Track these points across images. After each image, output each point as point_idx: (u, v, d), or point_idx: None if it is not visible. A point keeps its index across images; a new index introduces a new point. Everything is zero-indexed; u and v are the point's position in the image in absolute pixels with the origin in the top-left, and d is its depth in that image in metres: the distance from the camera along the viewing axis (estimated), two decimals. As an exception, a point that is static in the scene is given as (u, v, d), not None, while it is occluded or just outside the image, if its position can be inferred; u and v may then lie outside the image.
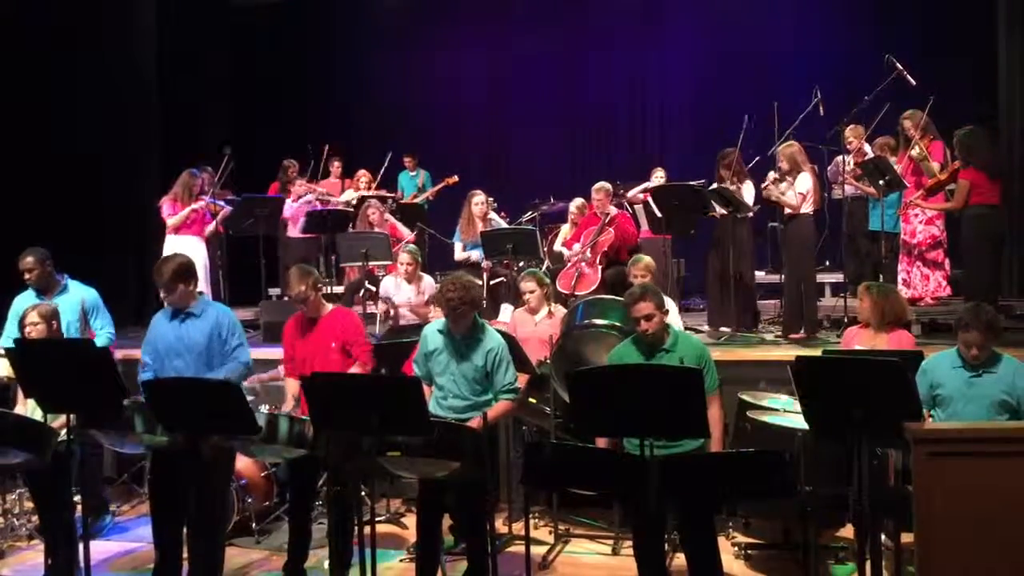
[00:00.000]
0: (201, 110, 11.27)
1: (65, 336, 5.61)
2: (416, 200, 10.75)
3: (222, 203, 8.53)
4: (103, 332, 6.16)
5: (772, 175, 7.53)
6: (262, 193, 9.54)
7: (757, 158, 8.02)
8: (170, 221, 8.12)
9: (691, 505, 4.40)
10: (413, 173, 11.16)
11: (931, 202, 7.48)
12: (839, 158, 8.22)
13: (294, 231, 9.41)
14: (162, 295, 5.14)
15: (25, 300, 6.03)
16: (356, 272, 8.70)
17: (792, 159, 7.36)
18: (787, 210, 7.38)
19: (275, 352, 6.97)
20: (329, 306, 5.52)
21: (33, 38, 9.09)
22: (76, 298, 6.14)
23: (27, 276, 6.07)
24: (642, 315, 4.67)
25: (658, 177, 9.26)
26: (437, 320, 5.18)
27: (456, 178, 10.68)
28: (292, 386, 5.43)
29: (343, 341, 5.33)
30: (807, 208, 7.28)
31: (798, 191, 7.27)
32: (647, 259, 6.70)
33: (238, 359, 5.08)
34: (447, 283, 4.92)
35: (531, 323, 6.45)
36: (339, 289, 9.25)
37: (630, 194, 9.26)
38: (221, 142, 8.92)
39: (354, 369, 5.38)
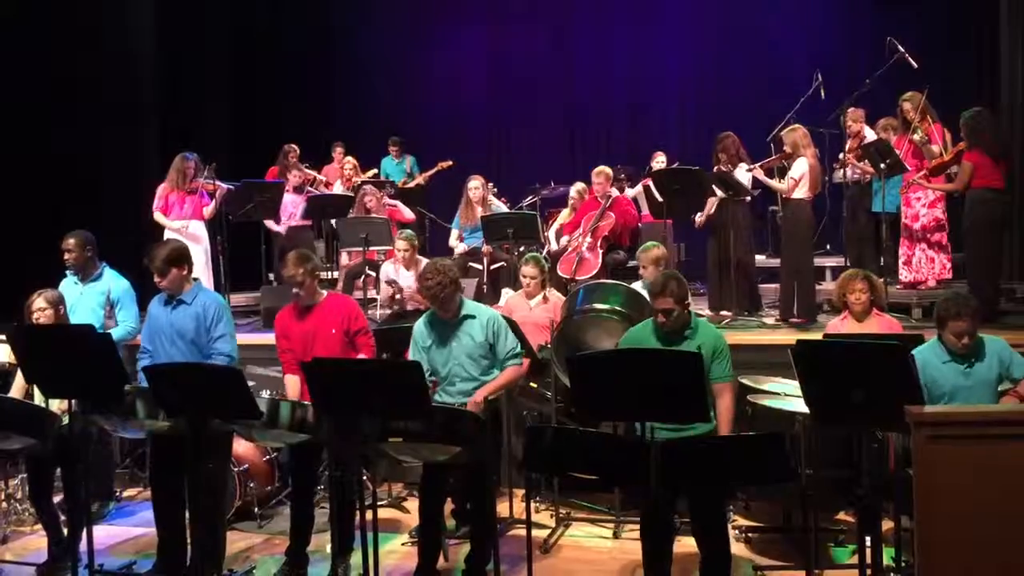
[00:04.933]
0: (201, 109, 11.18)
1: (90, 323, 5.61)
2: (408, 186, 10.62)
3: (221, 183, 8.38)
4: (123, 324, 6.19)
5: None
6: (261, 178, 9.47)
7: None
8: (156, 215, 8.01)
9: (698, 490, 4.36)
10: (398, 160, 11.05)
11: (934, 183, 7.45)
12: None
13: (285, 223, 9.07)
14: (156, 279, 5.16)
15: (67, 285, 6.14)
16: (354, 257, 8.66)
17: (795, 143, 7.32)
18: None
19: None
20: (324, 292, 5.45)
21: (33, 38, 9.03)
22: (105, 287, 6.23)
23: (66, 257, 6.17)
24: (660, 308, 4.61)
25: (658, 161, 9.23)
26: (423, 316, 5.17)
27: (451, 162, 10.59)
28: (292, 384, 5.26)
29: (345, 328, 5.25)
30: (801, 193, 7.23)
31: (791, 176, 7.24)
32: (656, 250, 6.42)
33: (220, 351, 5.03)
34: (422, 275, 4.92)
35: (526, 307, 6.45)
36: (334, 275, 9.17)
37: (629, 193, 9.13)
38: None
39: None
